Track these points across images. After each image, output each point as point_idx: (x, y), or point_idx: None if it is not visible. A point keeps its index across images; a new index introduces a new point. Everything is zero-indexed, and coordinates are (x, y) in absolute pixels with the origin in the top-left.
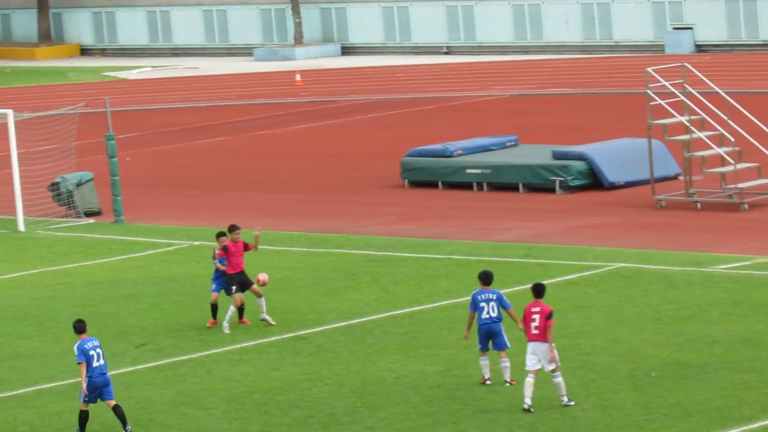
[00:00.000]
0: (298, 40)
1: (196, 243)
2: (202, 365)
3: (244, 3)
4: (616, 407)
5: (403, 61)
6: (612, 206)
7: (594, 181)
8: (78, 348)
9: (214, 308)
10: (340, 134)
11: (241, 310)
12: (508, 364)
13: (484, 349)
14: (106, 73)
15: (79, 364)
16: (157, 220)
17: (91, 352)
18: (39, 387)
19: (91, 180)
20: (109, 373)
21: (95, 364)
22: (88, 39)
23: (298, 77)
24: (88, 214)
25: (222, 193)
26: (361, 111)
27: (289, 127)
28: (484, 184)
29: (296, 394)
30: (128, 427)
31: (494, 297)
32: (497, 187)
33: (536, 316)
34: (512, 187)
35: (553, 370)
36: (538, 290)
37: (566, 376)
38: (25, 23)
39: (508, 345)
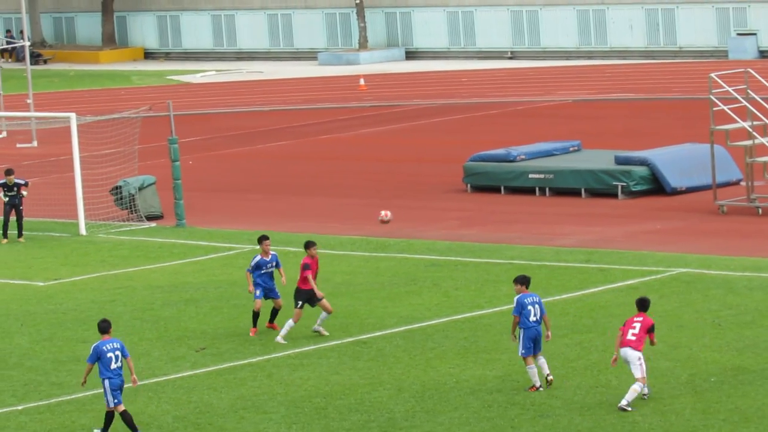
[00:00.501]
0: (363, 44)
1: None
2: (262, 369)
3: (309, 7)
4: (674, 412)
5: (467, 65)
6: (674, 211)
7: (656, 186)
8: (94, 348)
9: (257, 316)
10: (403, 139)
11: (274, 313)
12: (544, 360)
13: (528, 354)
14: (169, 77)
15: (87, 363)
16: (218, 223)
17: (109, 354)
18: (97, 391)
19: (153, 184)
20: (167, 377)
21: (113, 366)
22: (152, 43)
23: (362, 81)
24: (150, 218)
25: (284, 197)
26: (424, 116)
27: (352, 132)
28: (547, 189)
29: (356, 399)
30: None
31: (537, 300)
32: (559, 192)
33: (637, 325)
34: (574, 192)
35: (637, 380)
36: (644, 304)
37: (626, 381)
38: (89, 27)
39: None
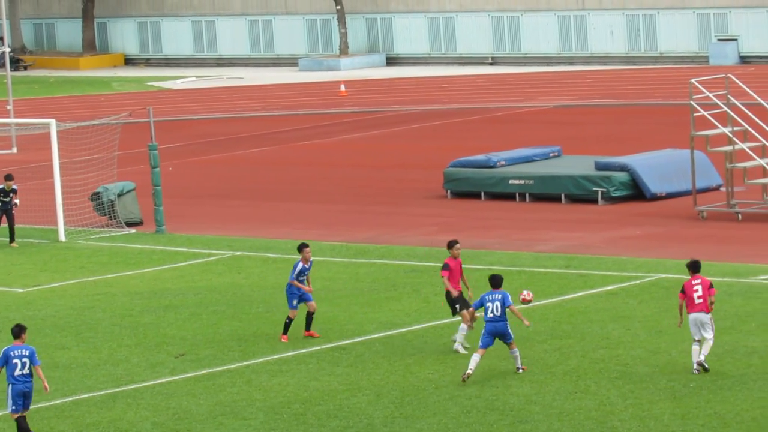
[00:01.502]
0: (344, 50)
1: (237, 253)
2: (241, 375)
3: (290, 13)
4: (654, 417)
5: (448, 71)
6: (653, 217)
7: (636, 192)
8: (3, 352)
9: (289, 324)
10: (383, 145)
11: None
12: (518, 353)
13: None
14: (150, 83)
15: None
16: (198, 230)
17: (15, 361)
18: (77, 397)
19: (132, 190)
20: (146, 383)
21: (17, 372)
22: (132, 49)
23: (342, 87)
24: (130, 224)
25: (264, 203)
26: (405, 121)
27: (333, 138)
28: (527, 195)
29: (334, 405)
30: None
31: (500, 297)
32: (540, 197)
33: (698, 287)
34: (555, 198)
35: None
36: (695, 266)
37: (605, 386)
38: (69, 33)
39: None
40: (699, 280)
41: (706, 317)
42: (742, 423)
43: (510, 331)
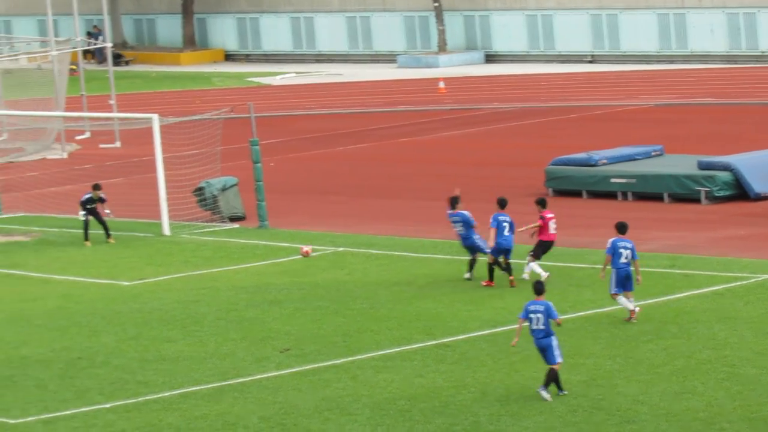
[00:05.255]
0: (442, 47)
1: (340, 249)
2: (346, 371)
3: (388, 9)
4: (763, 419)
5: (546, 69)
6: (758, 217)
7: (740, 191)
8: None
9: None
10: (483, 142)
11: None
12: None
13: (619, 291)
14: (249, 79)
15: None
16: (300, 225)
17: (530, 315)
18: (184, 390)
19: (235, 185)
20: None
21: (533, 327)
22: (232, 44)
23: (441, 84)
24: (233, 219)
25: (365, 200)
26: (504, 119)
27: (431, 135)
28: (629, 194)
29: (440, 402)
30: None
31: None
32: (642, 196)
33: None
34: (657, 197)
35: None
36: None
37: (712, 387)
38: (169, 28)
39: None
40: None
41: None
42: None
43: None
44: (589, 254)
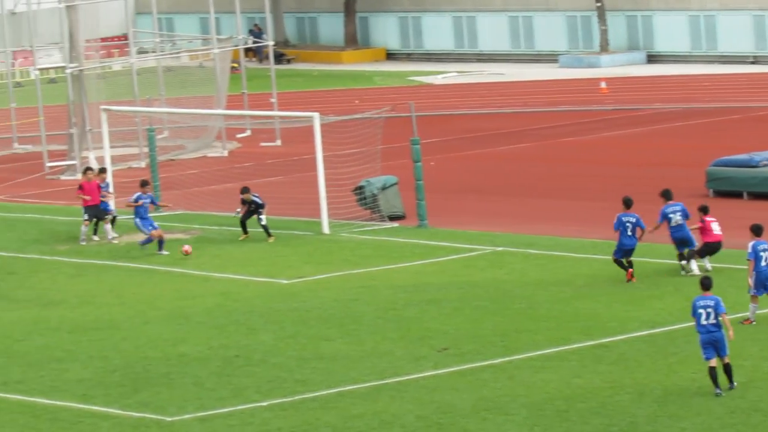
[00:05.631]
0: (604, 47)
1: (499, 249)
2: (504, 371)
3: (550, 9)
4: None
5: (708, 70)
6: None
7: None
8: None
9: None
10: (644, 143)
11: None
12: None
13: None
14: (411, 78)
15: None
16: (460, 225)
17: (700, 310)
18: (341, 389)
19: (395, 184)
20: (409, 377)
21: (703, 321)
22: (394, 43)
23: (603, 85)
24: (392, 218)
25: (524, 199)
26: (666, 120)
27: (592, 135)
28: None
29: (597, 402)
30: None
31: None
32: None
33: None
34: None
35: None
36: None
37: None
38: (331, 27)
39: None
40: None
41: None
42: None
43: None
44: None
